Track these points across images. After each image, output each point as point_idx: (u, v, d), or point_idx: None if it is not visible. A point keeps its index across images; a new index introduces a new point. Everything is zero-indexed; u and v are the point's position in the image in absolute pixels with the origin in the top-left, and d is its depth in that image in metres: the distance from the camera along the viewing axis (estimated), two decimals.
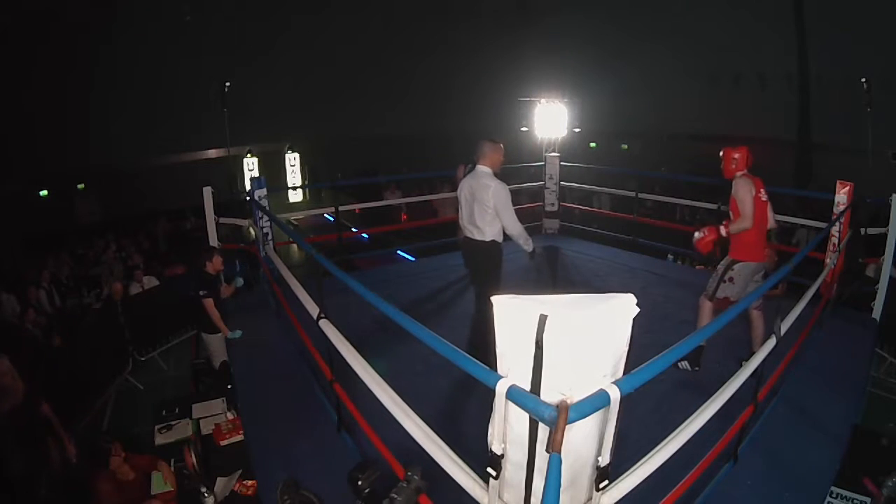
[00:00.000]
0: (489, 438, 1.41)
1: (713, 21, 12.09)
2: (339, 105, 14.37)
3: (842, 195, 4.24)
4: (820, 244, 3.74)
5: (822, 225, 4.52)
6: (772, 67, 12.01)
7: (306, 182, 14.81)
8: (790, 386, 3.15)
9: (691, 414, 1.90)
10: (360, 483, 1.66)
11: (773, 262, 5.23)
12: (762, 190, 3.29)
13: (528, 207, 6.65)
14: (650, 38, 13.08)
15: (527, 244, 3.47)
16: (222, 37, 12.38)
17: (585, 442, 1.33)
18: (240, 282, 4.61)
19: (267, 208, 4.80)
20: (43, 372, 4.77)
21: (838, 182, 4.28)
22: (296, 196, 14.39)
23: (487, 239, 3.30)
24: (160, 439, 3.68)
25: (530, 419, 1.27)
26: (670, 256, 6.74)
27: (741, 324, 3.37)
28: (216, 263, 4.40)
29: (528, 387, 1.26)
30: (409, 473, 1.60)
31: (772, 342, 2.34)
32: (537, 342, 1.21)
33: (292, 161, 15.03)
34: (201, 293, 4.18)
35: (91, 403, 5.22)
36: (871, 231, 4.33)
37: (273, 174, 12.90)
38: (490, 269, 3.39)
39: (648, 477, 1.60)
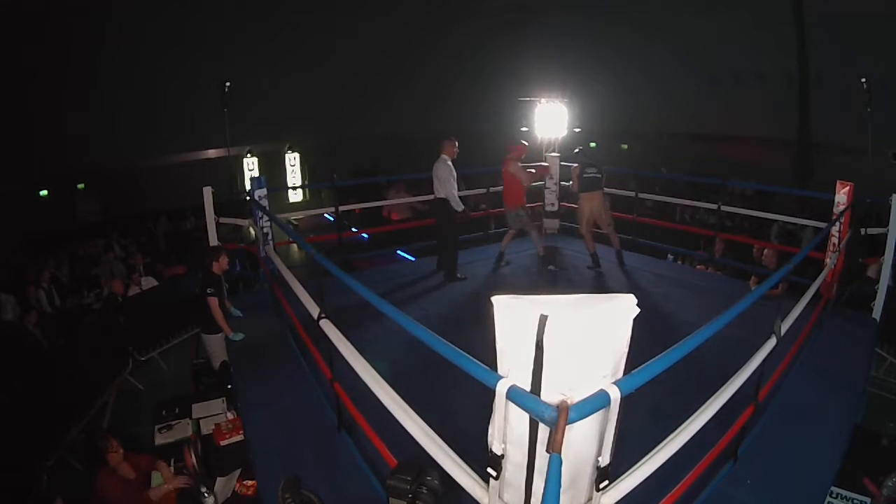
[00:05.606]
0: (489, 439, 1.41)
1: (713, 21, 12.06)
2: (339, 105, 14.33)
3: (842, 195, 4.23)
4: (820, 244, 3.73)
5: (823, 225, 4.52)
6: (772, 67, 11.99)
7: (306, 182, 14.81)
8: (790, 386, 3.15)
9: (691, 414, 1.90)
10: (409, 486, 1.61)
11: (772, 262, 5.24)
12: None
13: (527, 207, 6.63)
14: (650, 38, 13.05)
15: (457, 205, 5.24)
16: (222, 37, 12.35)
17: (586, 442, 1.33)
18: (239, 336, 4.18)
19: (267, 208, 4.81)
20: (43, 372, 4.79)
21: (838, 182, 4.27)
22: (296, 196, 14.40)
23: (442, 196, 5.28)
24: (160, 439, 3.69)
25: (530, 419, 1.27)
26: (670, 256, 6.73)
27: (741, 324, 3.37)
28: (222, 263, 4.36)
29: (528, 387, 1.26)
30: (429, 478, 1.60)
31: (772, 342, 2.34)
32: (537, 342, 1.21)
33: (292, 161, 15.02)
34: (208, 291, 4.13)
35: (91, 403, 5.22)
36: (871, 231, 4.33)
37: (273, 174, 12.90)
38: (447, 214, 5.29)
39: (648, 477, 1.60)
